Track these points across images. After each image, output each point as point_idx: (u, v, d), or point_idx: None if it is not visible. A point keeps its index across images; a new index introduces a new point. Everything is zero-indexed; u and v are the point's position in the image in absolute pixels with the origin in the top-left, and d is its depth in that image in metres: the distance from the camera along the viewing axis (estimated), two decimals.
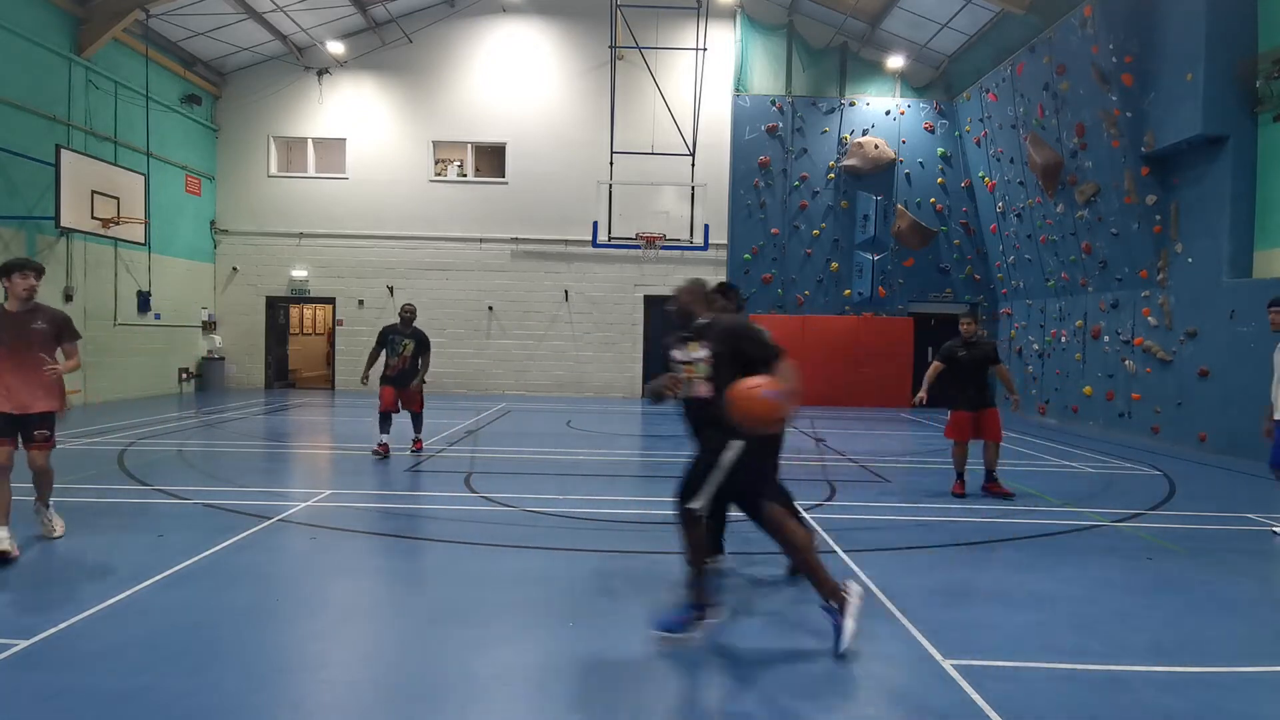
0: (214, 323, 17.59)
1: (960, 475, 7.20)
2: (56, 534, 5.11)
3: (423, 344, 8.87)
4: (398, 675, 3.29)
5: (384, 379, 8.75)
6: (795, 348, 16.93)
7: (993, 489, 7.14)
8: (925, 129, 17.33)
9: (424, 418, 9.14)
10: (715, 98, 17.38)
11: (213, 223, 17.75)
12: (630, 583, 4.58)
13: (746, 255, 17.47)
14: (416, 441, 9.06)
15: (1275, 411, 5.78)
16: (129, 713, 2.89)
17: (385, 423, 8.63)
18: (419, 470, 8.03)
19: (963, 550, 5.41)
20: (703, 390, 3.85)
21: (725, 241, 17.51)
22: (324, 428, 11.89)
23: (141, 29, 14.46)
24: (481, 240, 17.94)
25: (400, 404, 8.75)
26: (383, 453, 8.47)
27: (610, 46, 16.08)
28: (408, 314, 8.91)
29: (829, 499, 6.99)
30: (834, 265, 17.43)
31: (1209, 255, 10.76)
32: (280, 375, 18.42)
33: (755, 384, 3.50)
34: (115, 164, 13.67)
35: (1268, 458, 5.98)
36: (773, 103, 17.46)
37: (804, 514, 5.10)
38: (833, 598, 3.58)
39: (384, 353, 8.78)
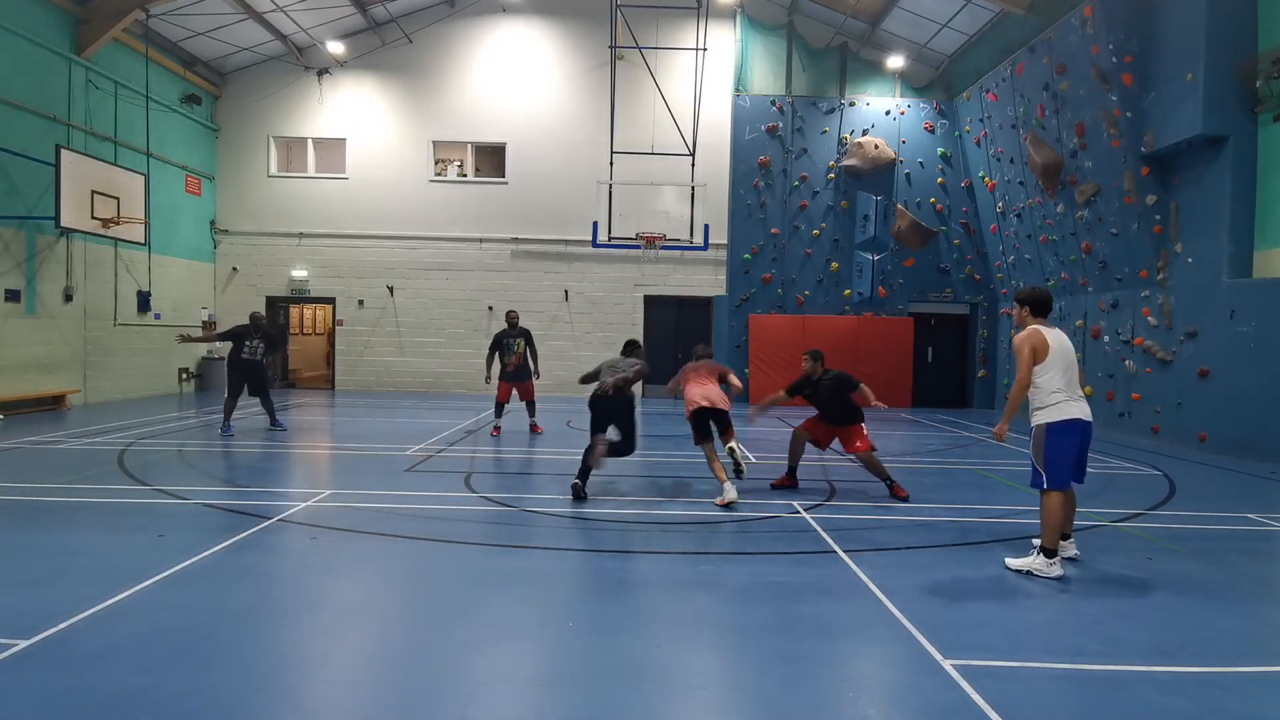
0: (214, 323, 17.57)
1: (790, 468, 7.34)
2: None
3: (529, 339, 10.80)
4: (397, 675, 3.29)
5: (502, 375, 10.75)
6: (795, 348, 17.00)
7: (896, 492, 7.00)
8: (925, 129, 17.33)
9: (505, 408, 10.96)
10: (715, 98, 17.39)
11: (213, 223, 17.75)
12: (630, 583, 4.57)
13: (746, 255, 17.47)
14: (536, 426, 10.93)
15: None
16: (129, 713, 2.89)
17: (500, 411, 10.85)
18: (419, 470, 8.03)
19: (963, 550, 5.41)
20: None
21: (725, 241, 17.51)
22: (324, 427, 11.89)
23: (141, 29, 14.47)
24: (481, 240, 17.94)
25: (518, 395, 10.85)
26: (498, 434, 10.58)
27: (610, 46, 16.08)
28: (514, 318, 10.96)
29: (829, 499, 6.99)
30: (834, 265, 17.43)
31: (1209, 255, 10.76)
32: (280, 375, 18.42)
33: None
34: (115, 164, 13.66)
35: None
36: (773, 103, 17.46)
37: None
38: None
39: (498, 354, 10.71)
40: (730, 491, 6.57)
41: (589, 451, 6.82)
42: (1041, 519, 4.85)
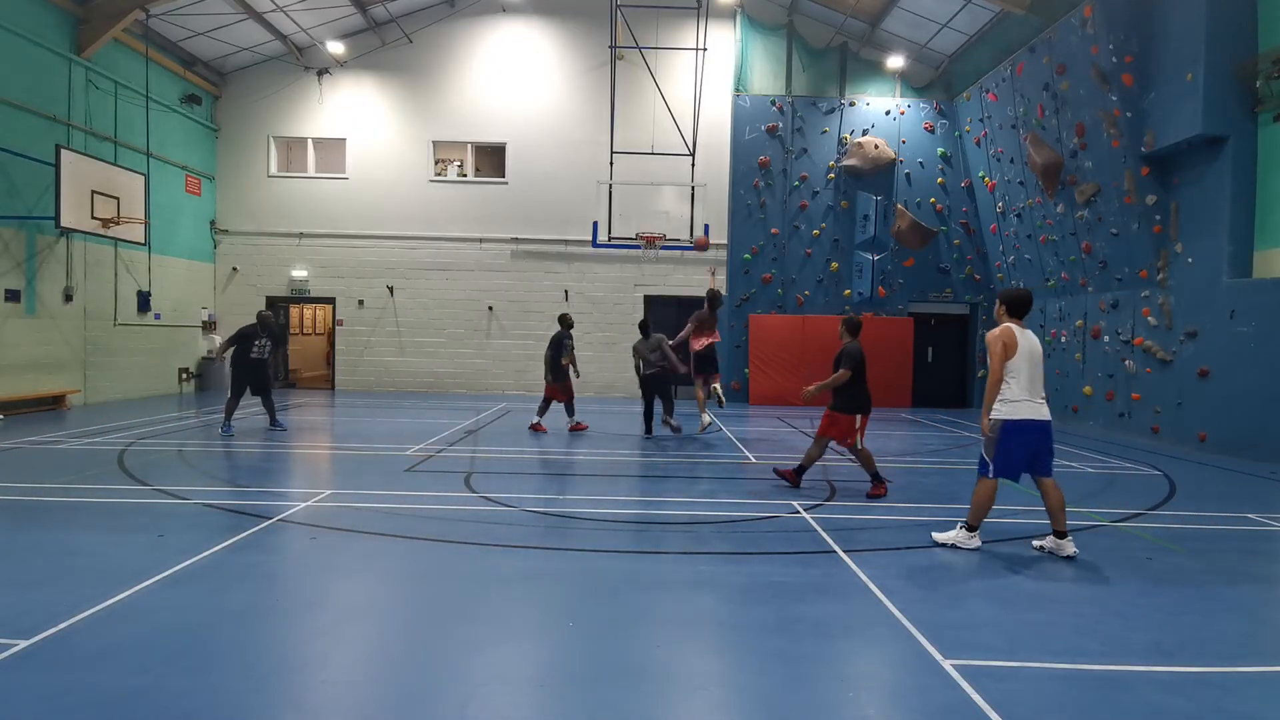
0: (214, 323, 17.59)
1: (799, 466, 7.47)
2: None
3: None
4: (397, 675, 3.29)
5: (566, 374, 11.29)
6: (795, 348, 17.20)
7: (874, 490, 7.17)
8: (925, 129, 17.33)
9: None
10: (715, 98, 17.39)
11: (213, 223, 17.75)
12: (630, 583, 4.57)
13: (746, 255, 17.47)
14: (541, 425, 11.27)
15: None
16: (129, 713, 2.89)
17: (573, 408, 11.51)
18: (419, 470, 8.03)
19: (963, 550, 5.40)
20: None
21: (725, 241, 17.51)
22: (324, 427, 11.88)
23: (141, 29, 14.47)
24: (481, 240, 17.94)
25: (545, 392, 11.44)
26: (586, 428, 11.45)
27: (610, 46, 16.08)
28: (571, 320, 11.61)
29: (829, 499, 6.99)
30: (834, 265, 17.43)
31: (1209, 255, 10.76)
32: (280, 375, 18.42)
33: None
34: (115, 164, 13.67)
35: None
36: (773, 103, 17.46)
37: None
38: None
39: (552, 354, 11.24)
40: (706, 418, 11.18)
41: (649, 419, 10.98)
42: (972, 499, 5.34)
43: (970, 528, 5.31)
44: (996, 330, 5.24)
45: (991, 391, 5.20)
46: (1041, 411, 5.19)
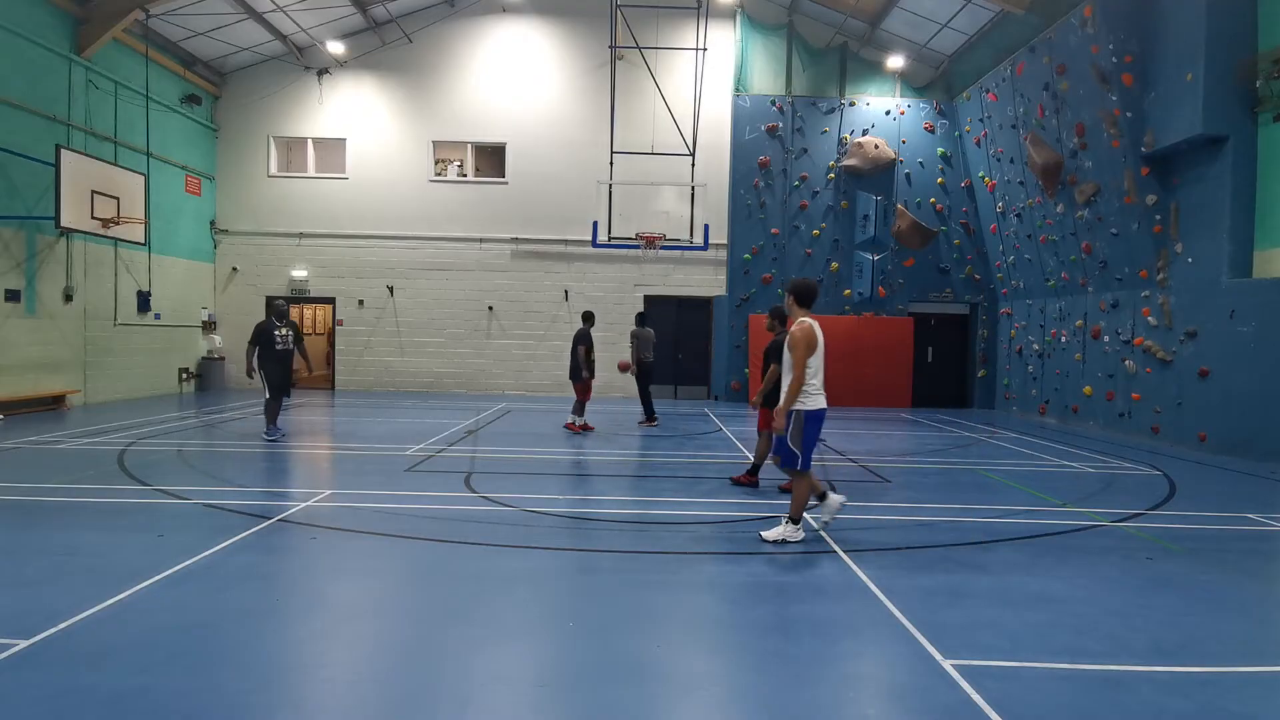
0: (214, 323, 17.59)
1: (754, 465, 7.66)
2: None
3: None
4: (397, 675, 3.29)
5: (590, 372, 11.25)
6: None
7: (745, 479, 7.53)
8: (925, 129, 17.33)
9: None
10: (715, 98, 17.39)
11: (213, 223, 17.75)
12: (630, 583, 4.57)
13: (746, 255, 17.47)
14: (584, 424, 11.37)
15: None
16: (129, 713, 2.89)
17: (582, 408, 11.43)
18: (419, 470, 8.03)
19: (963, 550, 5.41)
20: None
21: (725, 241, 17.51)
22: (324, 428, 11.88)
23: (141, 29, 14.47)
24: (481, 240, 17.94)
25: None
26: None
27: (610, 46, 16.08)
28: (591, 317, 11.62)
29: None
30: (834, 265, 17.43)
31: (1209, 255, 10.76)
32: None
33: None
34: (115, 164, 13.67)
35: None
36: (773, 103, 17.45)
37: None
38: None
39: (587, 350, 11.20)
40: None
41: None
42: (794, 495, 5.49)
43: (797, 520, 5.44)
44: (801, 328, 5.34)
45: (796, 388, 5.31)
46: (825, 399, 5.47)
